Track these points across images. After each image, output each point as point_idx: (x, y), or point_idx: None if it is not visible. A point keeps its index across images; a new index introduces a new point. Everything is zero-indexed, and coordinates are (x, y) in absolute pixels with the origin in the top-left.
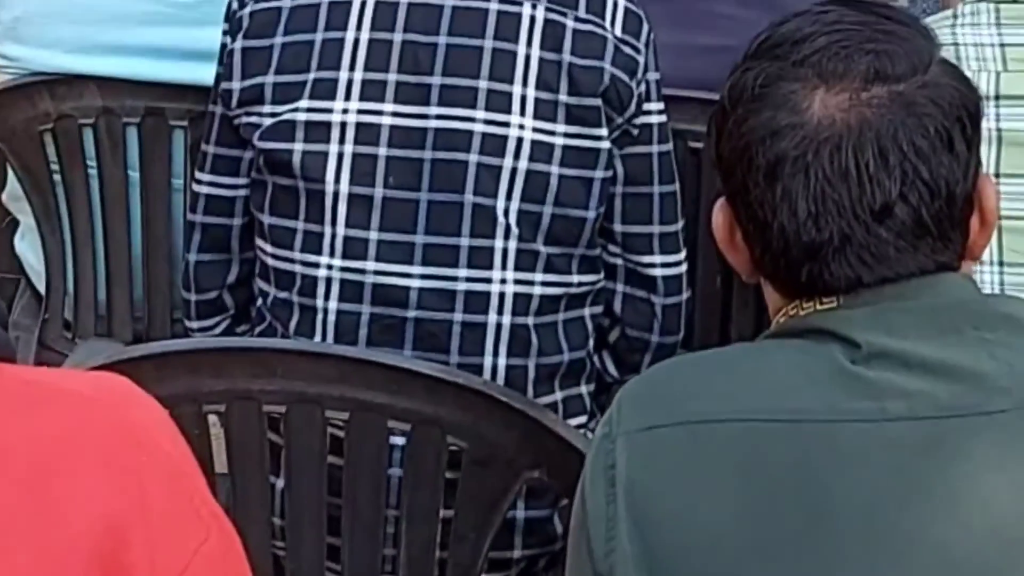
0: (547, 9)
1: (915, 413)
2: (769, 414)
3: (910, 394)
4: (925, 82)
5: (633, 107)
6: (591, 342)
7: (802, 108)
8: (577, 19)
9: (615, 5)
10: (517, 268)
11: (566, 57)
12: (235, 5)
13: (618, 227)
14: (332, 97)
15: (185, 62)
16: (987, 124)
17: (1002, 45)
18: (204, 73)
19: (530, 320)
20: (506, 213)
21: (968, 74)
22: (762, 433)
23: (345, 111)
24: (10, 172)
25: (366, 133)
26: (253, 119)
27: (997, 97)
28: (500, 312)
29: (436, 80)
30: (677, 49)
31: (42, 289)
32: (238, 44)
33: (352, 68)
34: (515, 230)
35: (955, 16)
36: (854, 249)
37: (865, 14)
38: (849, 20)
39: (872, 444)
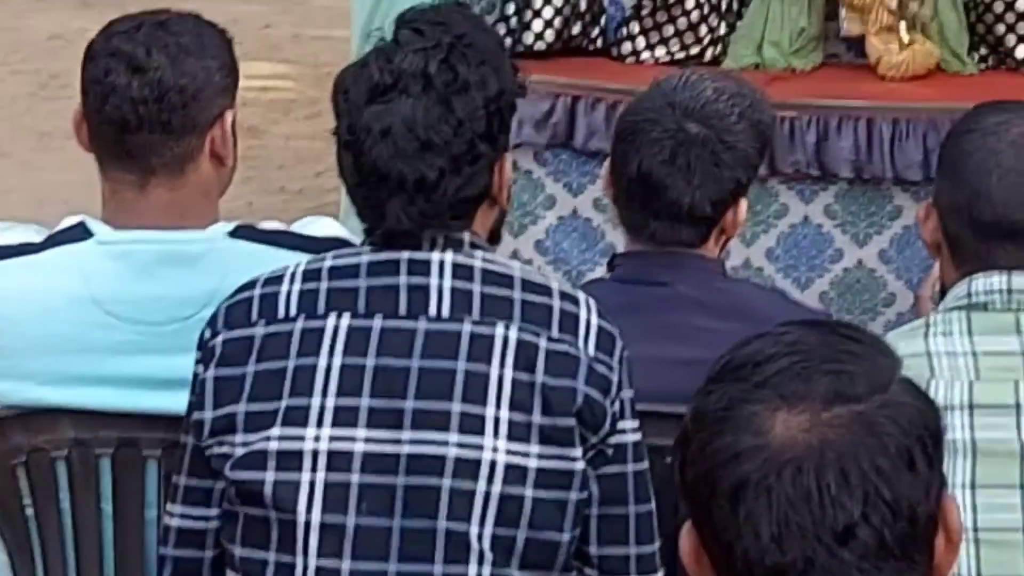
0: (520, 329)
1: None
2: None
3: None
4: (885, 401)
5: (607, 426)
6: None
7: (764, 430)
8: (550, 339)
9: (588, 324)
10: None
11: (539, 378)
12: (207, 334)
13: (593, 549)
14: (304, 424)
15: (159, 391)
16: (962, 434)
17: (974, 354)
18: (179, 402)
19: None
20: (480, 538)
21: (941, 383)
22: None
23: (317, 438)
24: None
25: (338, 460)
26: (225, 449)
27: (971, 407)
28: None
29: (409, 404)
30: (653, 362)
31: None
32: (210, 373)
33: (324, 394)
34: (489, 555)
35: (927, 325)
36: (817, 572)
37: (826, 334)
38: (810, 340)
39: None
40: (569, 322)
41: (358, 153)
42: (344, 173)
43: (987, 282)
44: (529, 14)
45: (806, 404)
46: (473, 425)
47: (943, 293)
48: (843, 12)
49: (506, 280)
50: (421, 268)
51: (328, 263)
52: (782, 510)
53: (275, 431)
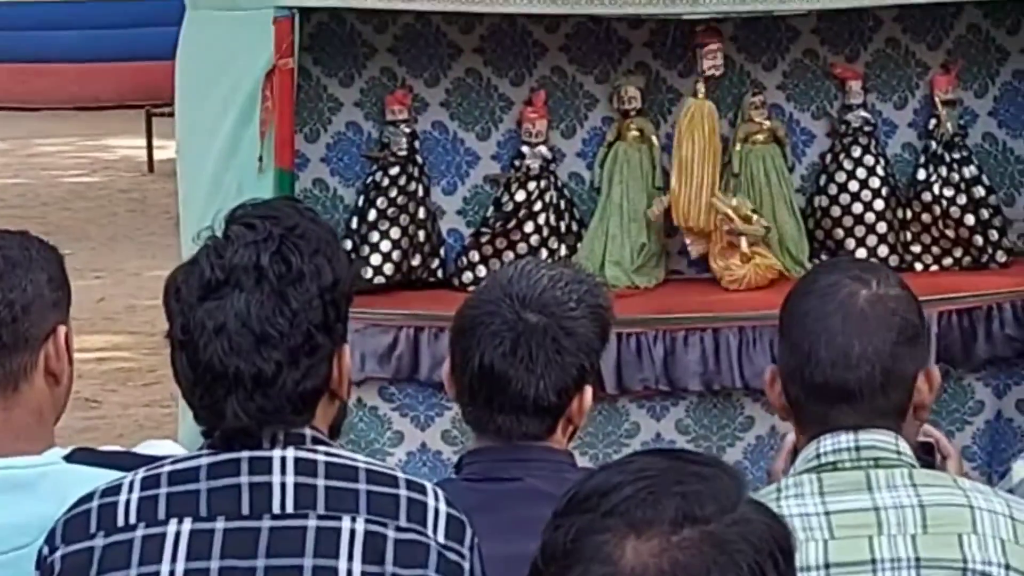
0: (367, 521)
1: None
2: None
3: None
4: (735, 519)
5: None
6: None
7: (614, 559)
8: (398, 528)
9: (437, 512)
10: None
11: (389, 568)
12: (46, 550)
13: None
14: None
15: None
16: None
17: (827, 513)
18: None
19: None
20: None
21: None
22: None
23: None
24: None
25: None
26: None
27: (827, 566)
28: None
29: None
30: (507, 560)
31: None
32: None
33: None
34: None
35: (779, 489)
36: None
37: (670, 459)
38: (655, 466)
39: None
40: (417, 511)
41: (193, 352)
42: (179, 374)
43: (835, 441)
44: (367, 249)
45: (655, 529)
46: None
47: (795, 457)
48: (687, 237)
49: (351, 472)
50: (262, 466)
51: (167, 469)
52: None
53: None
